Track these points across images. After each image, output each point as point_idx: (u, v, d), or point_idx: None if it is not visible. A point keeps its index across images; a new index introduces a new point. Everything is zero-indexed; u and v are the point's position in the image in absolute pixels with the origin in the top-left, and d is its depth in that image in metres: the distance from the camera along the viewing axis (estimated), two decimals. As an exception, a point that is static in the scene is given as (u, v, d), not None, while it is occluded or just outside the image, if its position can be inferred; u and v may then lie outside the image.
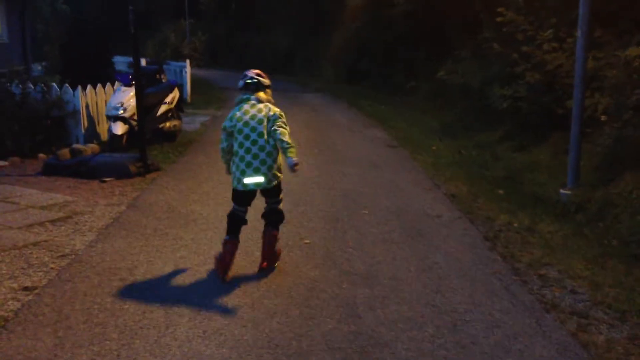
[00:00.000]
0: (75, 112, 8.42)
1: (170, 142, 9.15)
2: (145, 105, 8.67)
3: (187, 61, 15.65)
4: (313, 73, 23.87)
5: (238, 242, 4.28)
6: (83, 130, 8.49)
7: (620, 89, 7.18)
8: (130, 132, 8.23)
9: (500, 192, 7.13)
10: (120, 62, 21.61)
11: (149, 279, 4.07)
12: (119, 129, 8.04)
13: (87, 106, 8.64)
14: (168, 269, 4.24)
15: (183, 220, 5.39)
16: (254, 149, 4.10)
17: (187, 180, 6.94)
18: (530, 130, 9.33)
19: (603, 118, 7.37)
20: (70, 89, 8.52)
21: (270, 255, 4.36)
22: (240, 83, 4.37)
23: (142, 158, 6.98)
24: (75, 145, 7.55)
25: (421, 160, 8.71)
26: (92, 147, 7.74)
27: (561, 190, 6.58)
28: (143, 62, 11.10)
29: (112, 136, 8.08)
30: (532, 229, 5.56)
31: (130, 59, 22.72)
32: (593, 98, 7.38)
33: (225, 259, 4.14)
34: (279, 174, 4.27)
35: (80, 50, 18.26)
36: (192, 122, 11.61)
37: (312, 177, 7.30)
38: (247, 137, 4.11)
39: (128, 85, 8.31)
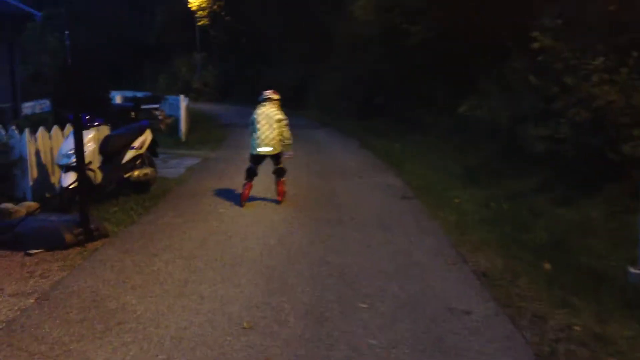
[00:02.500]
0: (22, 160, 7.00)
1: (140, 194, 7.67)
2: (108, 151, 7.28)
3: (181, 96, 14.28)
4: (324, 107, 22.49)
5: (252, 184, 7.38)
6: (31, 182, 7.04)
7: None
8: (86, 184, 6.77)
9: (547, 266, 5.45)
10: (117, 97, 20.57)
11: None
12: (70, 180, 6.56)
13: (37, 153, 7.21)
14: None
15: (103, 324, 3.80)
16: (266, 132, 7.24)
17: (136, 252, 5.38)
18: (575, 180, 7.68)
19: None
20: (16, 132, 7.12)
21: (282, 193, 7.50)
22: (260, 98, 7.54)
23: (83, 222, 5.47)
24: (3, 205, 6.07)
25: (442, 217, 7.07)
26: (29, 205, 6.24)
27: (630, 269, 4.90)
28: (118, 98, 9.73)
29: (61, 189, 6.61)
30: (602, 337, 3.87)
31: (128, 94, 21.68)
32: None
33: (244, 194, 7.34)
34: (278, 147, 7.33)
35: (74, 85, 17.19)
36: (177, 166, 10.16)
37: (300, 246, 5.70)
38: (262, 125, 7.26)
39: (85, 127, 6.86)
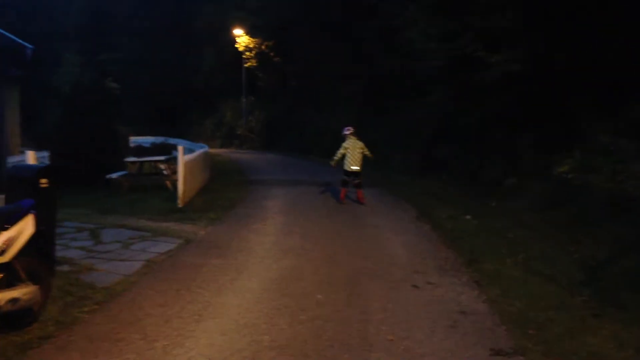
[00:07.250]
0: None
1: (8, 334, 4.24)
2: None
3: (180, 146, 11.00)
4: (376, 159, 18.83)
5: (346, 190, 11.28)
6: None
7: None
8: None
9: None
10: (139, 143, 17.90)
11: None
12: None
13: None
14: None
15: None
16: (355, 157, 11.13)
17: None
18: None
19: None
20: None
21: (362, 198, 11.12)
22: (345, 132, 11.47)
23: None
24: None
25: None
26: None
27: None
28: (30, 156, 6.44)
29: None
30: None
31: (150, 140, 18.70)
32: None
33: (342, 195, 11.30)
34: (361, 166, 11.23)
35: (76, 134, 14.35)
36: (135, 257, 6.73)
37: None
38: (352, 150, 11.15)
39: None
